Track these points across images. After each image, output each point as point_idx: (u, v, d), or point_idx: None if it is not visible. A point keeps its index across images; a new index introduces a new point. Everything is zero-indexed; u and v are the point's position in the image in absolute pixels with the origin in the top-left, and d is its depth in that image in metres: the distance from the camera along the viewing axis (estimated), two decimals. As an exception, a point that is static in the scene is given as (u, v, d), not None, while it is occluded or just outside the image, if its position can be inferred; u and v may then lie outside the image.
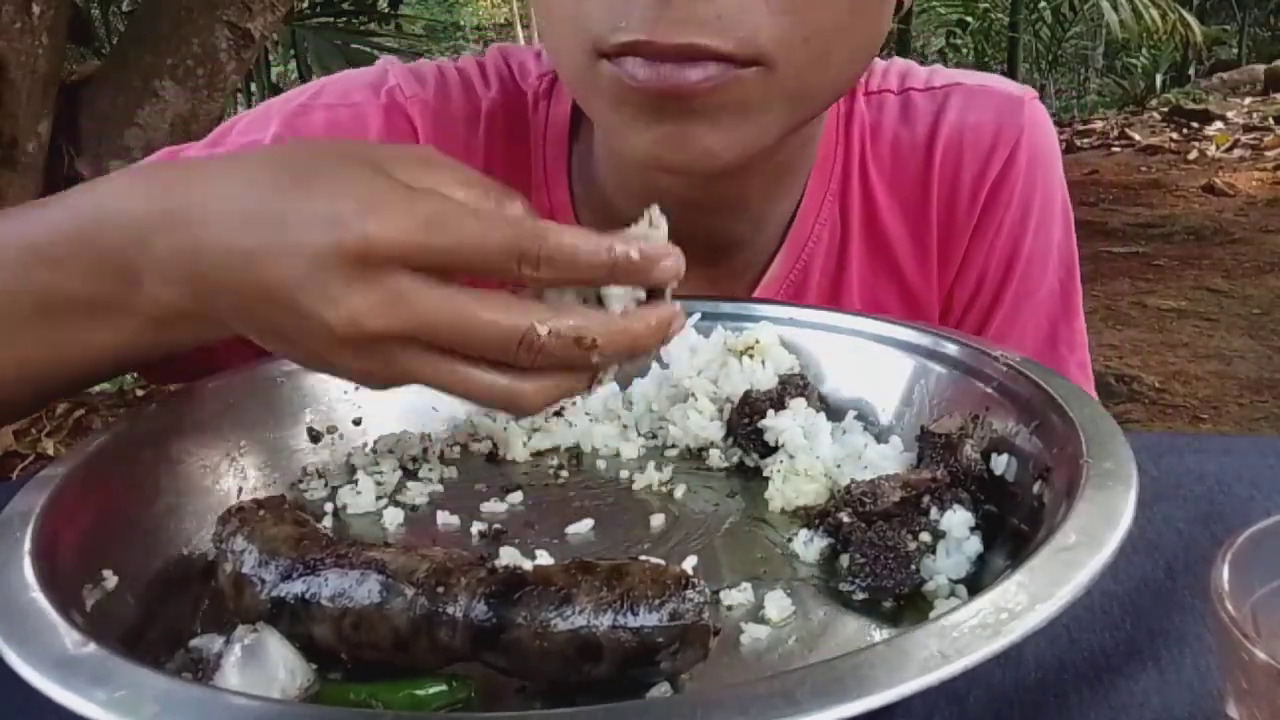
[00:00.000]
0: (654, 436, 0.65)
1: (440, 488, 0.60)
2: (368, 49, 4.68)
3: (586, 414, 0.66)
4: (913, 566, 0.48)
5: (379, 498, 0.59)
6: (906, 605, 0.48)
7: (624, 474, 0.61)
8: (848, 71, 0.68)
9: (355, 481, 0.60)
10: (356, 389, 0.64)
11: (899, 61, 0.88)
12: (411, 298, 0.44)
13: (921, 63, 0.84)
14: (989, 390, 0.57)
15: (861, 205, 0.83)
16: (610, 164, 0.80)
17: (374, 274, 0.44)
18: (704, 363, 0.65)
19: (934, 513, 0.51)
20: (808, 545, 0.52)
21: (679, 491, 0.58)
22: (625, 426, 0.65)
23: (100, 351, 0.53)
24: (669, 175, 0.69)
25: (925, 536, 0.50)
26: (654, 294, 0.48)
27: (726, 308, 0.70)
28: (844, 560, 0.50)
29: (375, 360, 0.46)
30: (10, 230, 0.53)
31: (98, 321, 0.51)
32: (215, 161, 0.52)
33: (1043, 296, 0.85)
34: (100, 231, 0.49)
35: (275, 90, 5.26)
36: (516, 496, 0.58)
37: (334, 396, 0.64)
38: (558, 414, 0.66)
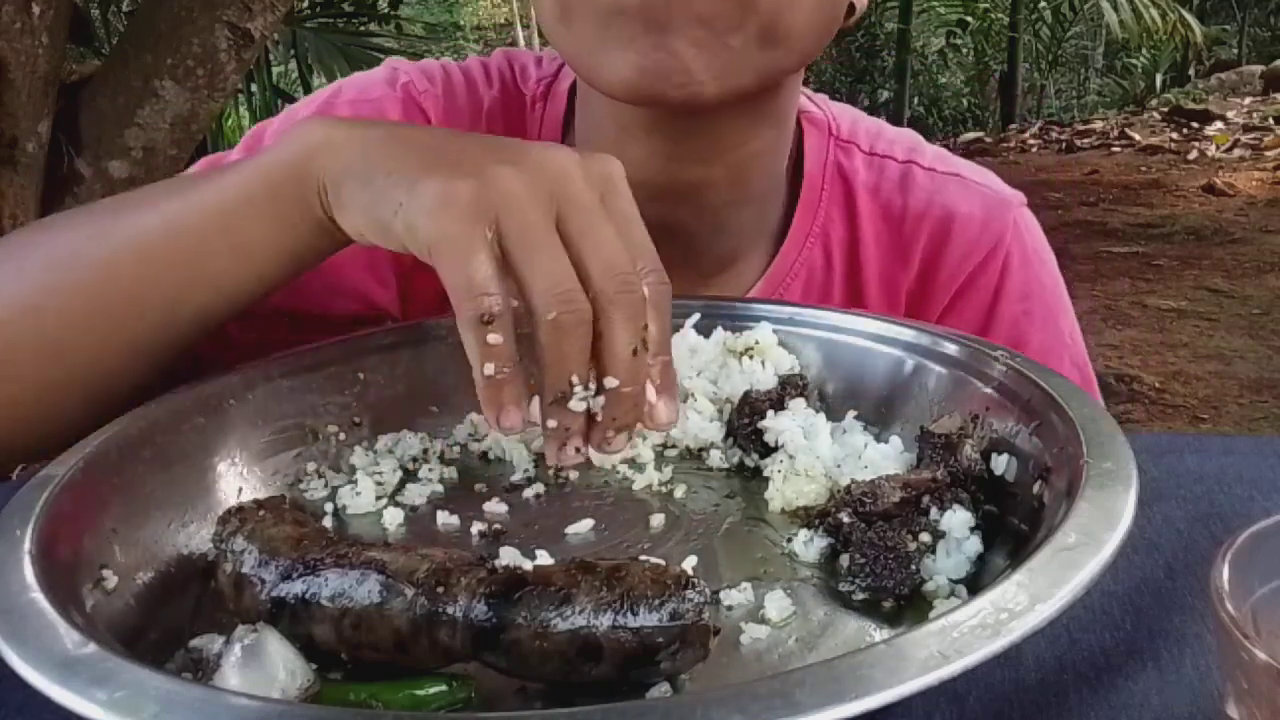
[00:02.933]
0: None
1: (440, 488, 0.60)
2: (368, 49, 4.68)
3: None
4: (913, 566, 0.48)
5: (379, 498, 0.59)
6: (906, 605, 0.48)
7: (624, 474, 0.61)
8: (815, 24, 0.70)
9: (355, 481, 0.60)
10: (360, 386, 0.64)
11: (908, 133, 0.93)
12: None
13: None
14: (989, 390, 0.57)
15: (848, 255, 0.87)
16: None
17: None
18: (704, 363, 0.65)
19: (934, 513, 0.51)
20: (808, 545, 0.52)
21: (679, 491, 0.58)
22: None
23: (269, 248, 0.60)
24: (649, 114, 0.73)
25: (925, 536, 0.50)
26: None
27: (726, 308, 0.70)
28: (844, 560, 0.50)
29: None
30: (199, 187, 0.63)
31: (278, 223, 0.60)
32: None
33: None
34: (279, 164, 0.59)
35: (275, 90, 5.26)
36: (517, 496, 0.58)
37: (333, 397, 0.64)
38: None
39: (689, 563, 0.50)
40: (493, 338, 0.51)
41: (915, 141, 0.91)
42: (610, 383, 0.53)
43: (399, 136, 0.58)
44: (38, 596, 0.40)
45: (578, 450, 0.54)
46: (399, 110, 0.84)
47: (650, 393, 0.55)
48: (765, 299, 0.81)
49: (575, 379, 0.53)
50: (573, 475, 0.61)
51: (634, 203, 0.58)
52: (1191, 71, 11.59)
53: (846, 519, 0.51)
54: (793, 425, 0.59)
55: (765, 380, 0.63)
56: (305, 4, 4.78)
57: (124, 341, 0.56)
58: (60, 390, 0.52)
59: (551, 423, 0.54)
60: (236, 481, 0.58)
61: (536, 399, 0.53)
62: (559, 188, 0.54)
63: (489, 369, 0.52)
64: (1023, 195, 0.91)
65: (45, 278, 0.64)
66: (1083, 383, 0.89)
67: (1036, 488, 0.50)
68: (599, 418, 0.54)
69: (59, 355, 0.61)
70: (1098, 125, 8.92)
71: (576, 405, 0.53)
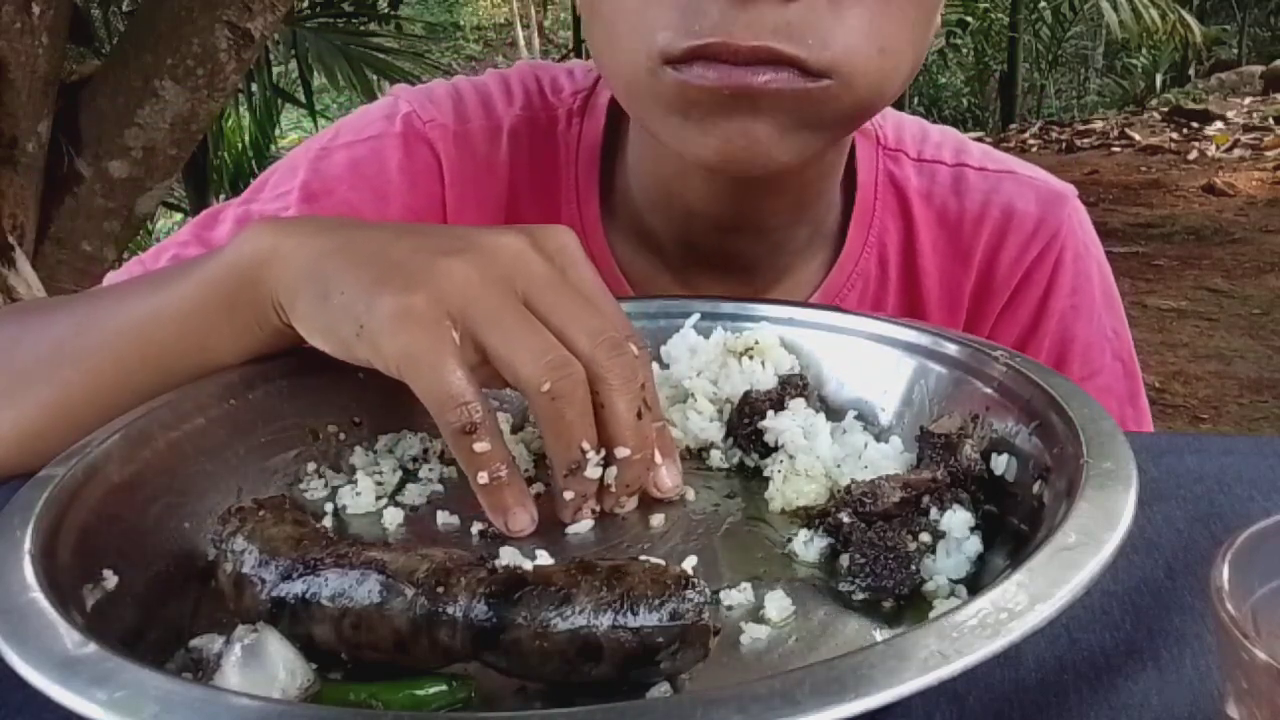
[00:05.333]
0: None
1: (440, 488, 0.60)
2: (368, 49, 4.68)
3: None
4: (913, 566, 0.48)
5: (379, 498, 0.59)
6: (906, 605, 0.48)
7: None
8: (901, 85, 0.69)
9: (355, 481, 0.60)
10: (360, 386, 0.64)
11: (951, 132, 0.93)
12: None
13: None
14: (989, 390, 0.57)
15: (903, 263, 0.87)
16: (643, 180, 0.81)
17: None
18: (704, 363, 0.65)
19: (934, 513, 0.51)
20: (808, 545, 0.52)
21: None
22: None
23: (231, 350, 0.60)
24: (715, 182, 0.72)
25: (925, 536, 0.50)
26: None
27: (726, 308, 0.70)
28: (844, 560, 0.50)
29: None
30: (158, 284, 0.63)
31: (238, 330, 0.60)
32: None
33: (1106, 378, 0.89)
34: (237, 268, 0.59)
35: (276, 90, 5.26)
36: (516, 496, 0.58)
37: (333, 397, 0.64)
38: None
39: (689, 563, 0.50)
40: (479, 446, 0.51)
41: (960, 141, 0.91)
42: (621, 452, 0.53)
43: (347, 247, 0.56)
44: (38, 596, 0.40)
45: (594, 512, 0.55)
46: (399, 149, 0.82)
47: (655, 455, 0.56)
48: (766, 299, 0.81)
49: (585, 445, 0.52)
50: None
51: (595, 270, 0.58)
52: (1191, 71, 11.58)
53: (846, 519, 0.51)
54: (793, 425, 0.59)
55: (765, 380, 0.63)
56: (305, 4, 4.78)
57: (103, 421, 0.57)
58: (37, 459, 0.53)
59: (569, 494, 0.54)
60: (236, 481, 0.58)
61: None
62: (516, 270, 0.54)
63: (483, 478, 0.52)
64: (1073, 187, 0.91)
65: (31, 369, 0.64)
66: (1126, 376, 0.89)
67: (1036, 488, 0.50)
68: (612, 487, 0.54)
69: (39, 437, 0.61)
70: (1098, 125, 8.92)
71: (592, 472, 0.53)
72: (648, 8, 0.62)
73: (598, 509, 0.55)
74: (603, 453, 0.53)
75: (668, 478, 0.56)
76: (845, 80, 0.62)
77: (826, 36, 0.60)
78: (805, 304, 0.77)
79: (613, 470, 0.54)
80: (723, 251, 0.82)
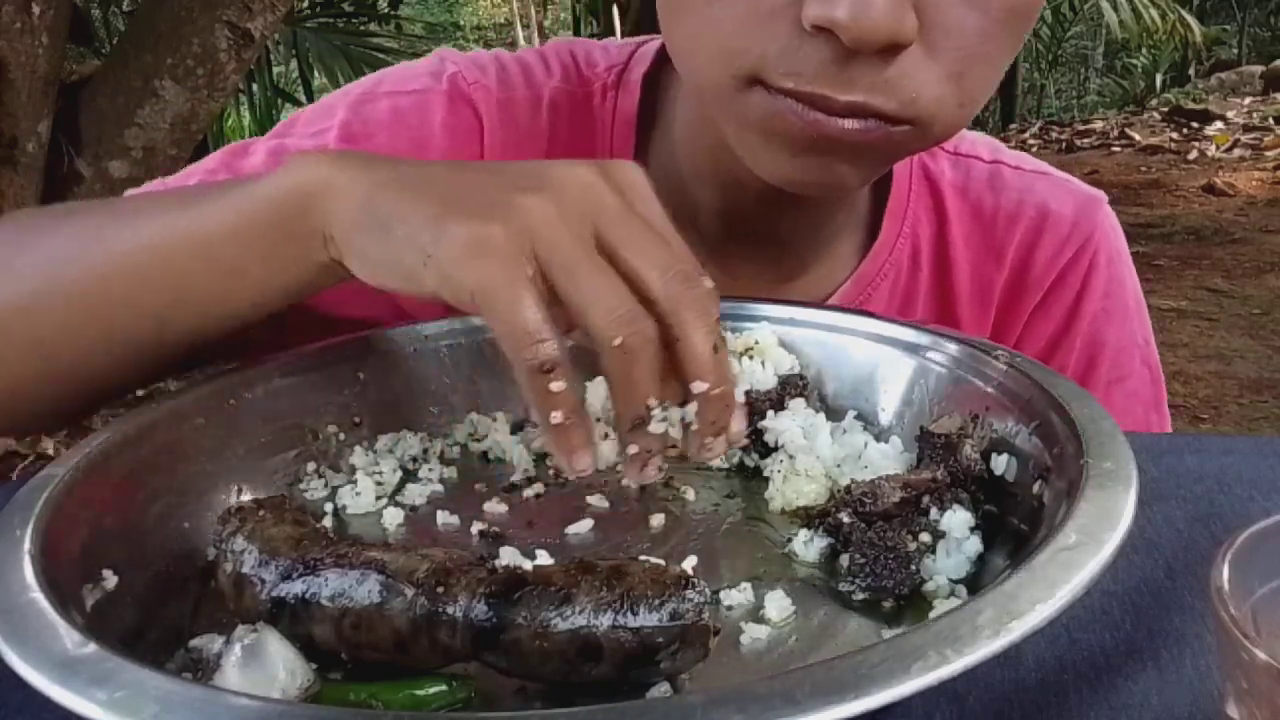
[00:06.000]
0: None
1: (440, 488, 0.60)
2: (368, 49, 4.68)
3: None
4: (913, 566, 0.48)
5: (379, 498, 0.59)
6: (906, 605, 0.48)
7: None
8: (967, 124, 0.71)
9: (355, 481, 0.60)
10: (360, 386, 0.64)
11: (984, 135, 0.94)
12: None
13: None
14: (989, 390, 0.57)
15: (935, 256, 0.87)
16: (688, 150, 0.81)
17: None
18: (704, 363, 0.65)
19: (934, 513, 0.51)
20: (808, 545, 0.52)
21: (678, 491, 0.58)
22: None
23: (265, 283, 0.58)
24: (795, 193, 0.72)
25: (925, 536, 0.50)
26: None
27: (726, 308, 0.69)
28: (844, 560, 0.50)
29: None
30: (195, 202, 0.60)
31: (269, 262, 0.57)
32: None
33: (1134, 383, 0.89)
34: (281, 194, 0.56)
35: (276, 90, 5.26)
36: (517, 496, 0.58)
37: (333, 397, 0.64)
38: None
39: (689, 563, 0.50)
40: (555, 386, 0.49)
41: (995, 143, 0.92)
42: (698, 387, 0.51)
43: (405, 179, 0.54)
44: (38, 596, 0.40)
45: (659, 469, 0.53)
46: (444, 106, 0.81)
47: None
48: (767, 299, 0.81)
49: (651, 401, 0.51)
50: (572, 475, 0.61)
51: (661, 208, 0.56)
52: (1191, 71, 11.59)
53: (846, 519, 0.51)
54: (793, 425, 0.59)
55: (765, 380, 0.63)
56: (305, 4, 4.78)
57: (111, 350, 0.55)
58: (48, 382, 0.51)
59: (632, 448, 0.52)
60: (236, 481, 0.58)
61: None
62: (588, 204, 0.52)
63: (557, 417, 0.50)
64: (1104, 193, 0.92)
65: (36, 280, 0.63)
66: (1152, 382, 0.90)
67: (1036, 488, 0.50)
68: (695, 427, 0.52)
69: (47, 354, 0.60)
70: (1098, 125, 8.92)
71: (656, 427, 0.51)
72: (746, 30, 0.61)
73: (664, 466, 0.53)
74: (668, 408, 0.51)
75: (734, 423, 0.54)
76: (925, 127, 0.63)
77: (917, 94, 0.61)
78: (805, 304, 0.77)
79: (692, 409, 0.51)
80: (763, 225, 0.81)
